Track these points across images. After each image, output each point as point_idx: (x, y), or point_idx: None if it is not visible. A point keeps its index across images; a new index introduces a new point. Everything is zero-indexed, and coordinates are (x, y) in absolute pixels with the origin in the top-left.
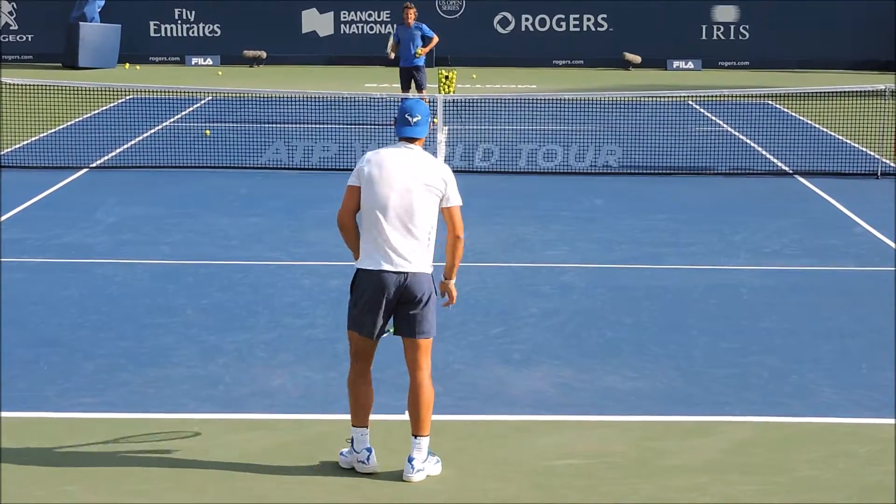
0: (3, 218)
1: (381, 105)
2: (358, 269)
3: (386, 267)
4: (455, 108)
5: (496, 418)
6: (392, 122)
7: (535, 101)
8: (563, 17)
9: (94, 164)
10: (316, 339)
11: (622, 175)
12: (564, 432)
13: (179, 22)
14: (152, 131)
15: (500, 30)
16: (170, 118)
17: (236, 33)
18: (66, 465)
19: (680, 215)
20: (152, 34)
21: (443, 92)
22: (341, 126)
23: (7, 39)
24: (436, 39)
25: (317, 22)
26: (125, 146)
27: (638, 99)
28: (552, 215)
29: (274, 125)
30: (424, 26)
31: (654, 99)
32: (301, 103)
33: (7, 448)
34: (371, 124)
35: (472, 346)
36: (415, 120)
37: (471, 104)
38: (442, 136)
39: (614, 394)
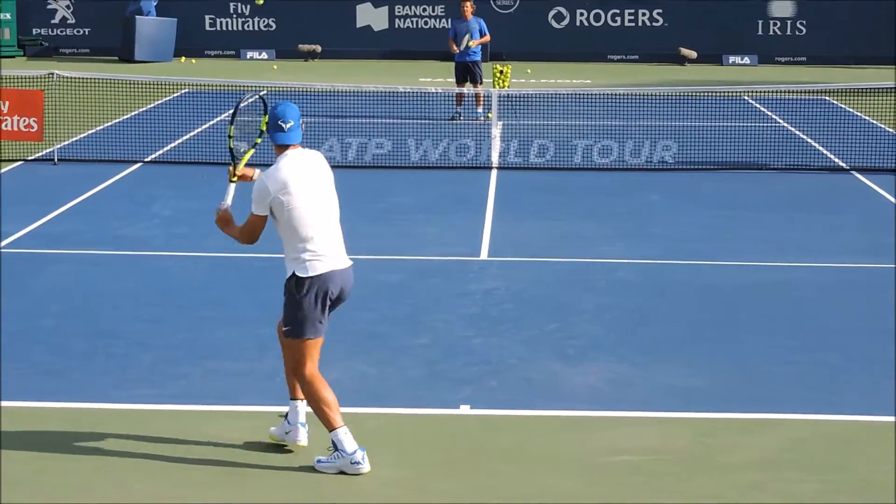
0: (61, 210)
1: (437, 99)
2: (311, 277)
3: (337, 266)
4: (510, 104)
5: (551, 414)
6: (450, 119)
7: (590, 97)
8: (617, 11)
9: (149, 158)
10: (370, 333)
11: (678, 171)
12: (620, 428)
13: (235, 16)
14: (207, 125)
15: (554, 24)
16: (225, 112)
17: (291, 27)
18: (125, 456)
19: (736, 211)
20: (208, 28)
21: (497, 87)
22: (396, 121)
23: (64, 33)
24: (488, 37)
25: (372, 16)
26: (180, 140)
27: (694, 94)
28: (607, 211)
29: (328, 120)
30: (482, 21)
31: (710, 94)
32: (355, 98)
33: (65, 438)
34: (426, 119)
35: (527, 341)
36: (288, 126)
37: (525, 99)
38: (496, 132)
39: (670, 390)
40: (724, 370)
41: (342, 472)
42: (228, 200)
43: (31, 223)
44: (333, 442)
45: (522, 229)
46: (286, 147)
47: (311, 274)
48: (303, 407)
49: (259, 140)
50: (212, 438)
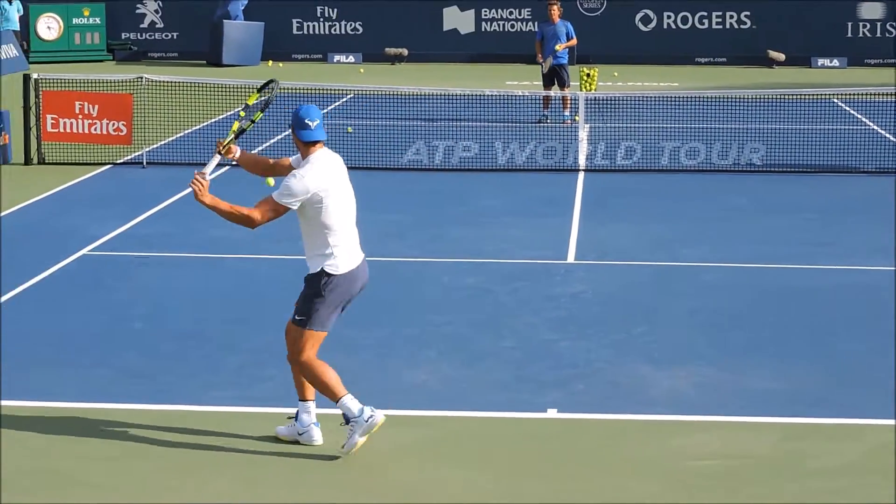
0: (149, 213)
1: (523, 103)
2: (341, 275)
3: (359, 262)
4: (597, 106)
5: (637, 418)
6: (537, 122)
7: (677, 99)
8: (705, 14)
9: (236, 161)
10: (457, 336)
11: (766, 173)
12: (706, 433)
13: (322, 20)
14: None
15: (641, 27)
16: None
17: (378, 31)
18: (212, 458)
19: (825, 215)
20: (295, 32)
21: (584, 90)
22: (483, 124)
23: (153, 37)
24: (574, 41)
25: (458, 20)
26: (267, 143)
27: (782, 97)
28: (695, 214)
29: (415, 123)
30: (569, 25)
31: (799, 97)
32: (442, 101)
33: (152, 439)
34: (512, 122)
35: (615, 344)
36: (314, 123)
37: (612, 102)
38: (583, 134)
39: (757, 394)
40: (811, 374)
41: (366, 434)
42: (207, 170)
43: (119, 226)
44: (344, 414)
45: (609, 232)
46: (314, 144)
47: (341, 272)
48: (313, 407)
49: (254, 119)
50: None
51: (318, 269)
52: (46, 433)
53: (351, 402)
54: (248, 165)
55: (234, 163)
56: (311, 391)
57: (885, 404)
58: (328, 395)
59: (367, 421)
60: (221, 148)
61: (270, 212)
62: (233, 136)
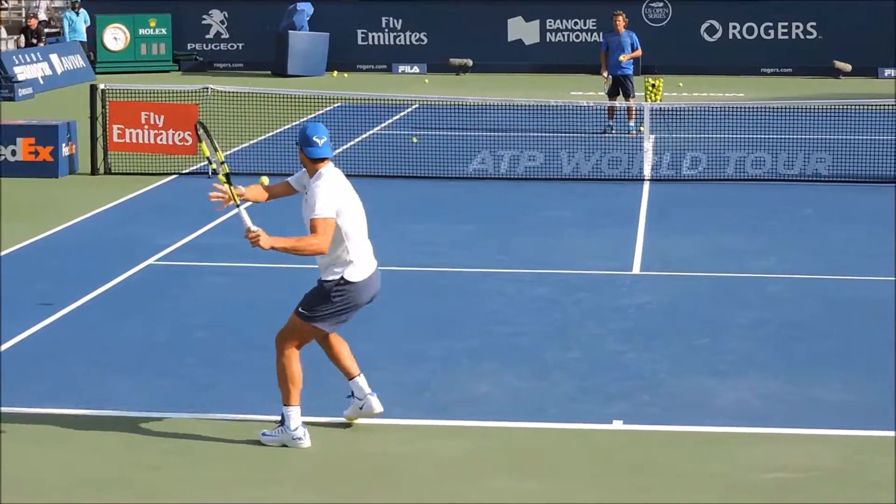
0: (214, 224)
1: (588, 113)
2: (357, 282)
3: (373, 269)
4: (662, 117)
5: (701, 429)
6: (602, 132)
7: (742, 110)
8: (771, 24)
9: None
10: (521, 347)
11: (832, 183)
12: (771, 445)
13: (387, 30)
14: (360, 139)
15: (706, 38)
16: (377, 126)
17: (443, 41)
18: (274, 467)
19: (892, 226)
20: (360, 42)
21: (649, 100)
22: (547, 134)
23: (218, 48)
24: (639, 52)
25: (523, 30)
26: (333, 153)
27: (848, 107)
28: (760, 224)
29: (480, 133)
30: (634, 35)
31: (865, 107)
32: (507, 111)
33: (214, 448)
34: (577, 132)
35: (680, 356)
36: (322, 141)
37: (678, 112)
38: (648, 145)
39: (822, 406)
40: (878, 387)
41: (284, 446)
42: (250, 222)
43: (185, 236)
44: (282, 416)
45: (675, 243)
46: (321, 161)
47: (358, 279)
48: (363, 381)
49: (221, 159)
50: (363, 452)
51: (339, 276)
52: (111, 442)
53: (294, 416)
54: (255, 198)
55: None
56: (355, 367)
57: None
58: (283, 394)
59: (293, 439)
60: (235, 199)
61: (327, 229)
62: (228, 184)
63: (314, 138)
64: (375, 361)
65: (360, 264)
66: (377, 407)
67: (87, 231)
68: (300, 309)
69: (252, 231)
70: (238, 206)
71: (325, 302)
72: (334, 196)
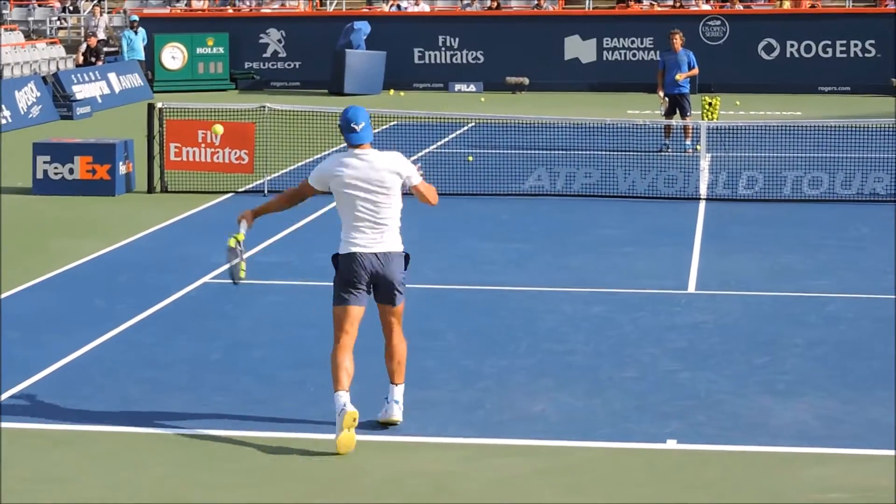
0: (271, 241)
1: (644, 131)
2: (340, 254)
3: (362, 250)
4: (719, 135)
5: (759, 449)
6: (658, 151)
7: (800, 128)
8: (829, 42)
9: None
10: (576, 366)
11: (890, 203)
12: (829, 465)
13: (443, 49)
14: (416, 157)
15: (764, 56)
16: (433, 144)
17: (499, 60)
18: (329, 486)
19: None
20: (416, 61)
21: (706, 119)
22: (603, 152)
23: (275, 66)
24: (696, 70)
25: (579, 48)
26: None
27: None
28: (818, 244)
29: (536, 151)
30: (691, 54)
31: None
32: (563, 130)
33: (272, 466)
34: (633, 151)
35: (736, 375)
36: (360, 127)
37: (735, 131)
38: (705, 164)
39: (881, 427)
40: None
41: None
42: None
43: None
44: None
45: (731, 262)
46: (359, 146)
47: (341, 252)
48: (398, 390)
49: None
50: (417, 471)
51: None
52: (166, 460)
53: (337, 399)
54: (273, 210)
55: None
56: (397, 376)
57: None
58: (333, 381)
59: (338, 413)
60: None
61: (300, 184)
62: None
63: (351, 124)
64: (432, 379)
65: (347, 241)
66: (396, 415)
67: (143, 249)
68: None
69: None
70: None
71: (334, 279)
72: (326, 168)
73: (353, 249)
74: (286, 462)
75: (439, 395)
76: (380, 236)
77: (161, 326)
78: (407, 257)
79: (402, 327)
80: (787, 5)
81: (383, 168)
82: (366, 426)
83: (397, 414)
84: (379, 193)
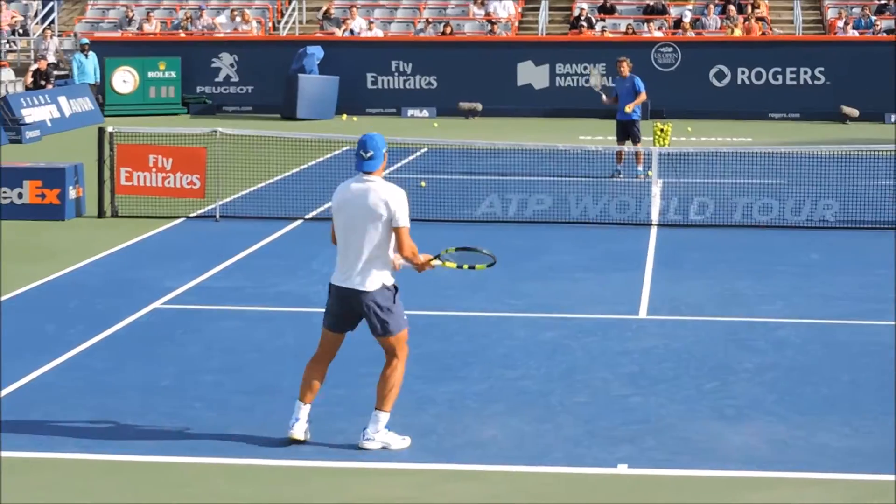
0: (222, 267)
1: (596, 157)
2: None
3: (342, 284)
4: (670, 161)
5: (709, 473)
6: (610, 176)
7: (750, 155)
8: (779, 70)
9: (310, 215)
10: (528, 391)
11: (839, 230)
12: (779, 490)
13: (396, 74)
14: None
15: (715, 83)
16: (386, 170)
17: (452, 85)
18: None
19: None
20: (369, 86)
21: (658, 145)
22: (556, 178)
23: (227, 91)
24: (643, 96)
25: (532, 74)
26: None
27: (856, 153)
28: (768, 270)
29: (489, 177)
30: (637, 79)
31: (872, 153)
32: (516, 155)
33: (224, 493)
34: (586, 176)
35: (687, 400)
36: (367, 155)
37: (686, 157)
38: (656, 189)
39: (830, 451)
40: (886, 432)
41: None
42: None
43: (192, 279)
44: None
45: (682, 287)
46: (364, 173)
47: (331, 281)
48: (382, 416)
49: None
50: (369, 497)
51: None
52: (118, 487)
53: (297, 409)
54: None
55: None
56: (383, 402)
57: None
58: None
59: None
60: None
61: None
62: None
63: (360, 151)
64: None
65: (336, 270)
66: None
67: (93, 274)
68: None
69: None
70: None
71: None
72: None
73: (332, 280)
74: (237, 488)
75: (392, 421)
76: (357, 268)
77: (111, 352)
78: (395, 288)
79: (397, 356)
80: (738, 33)
81: (378, 198)
82: (321, 453)
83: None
84: (367, 221)
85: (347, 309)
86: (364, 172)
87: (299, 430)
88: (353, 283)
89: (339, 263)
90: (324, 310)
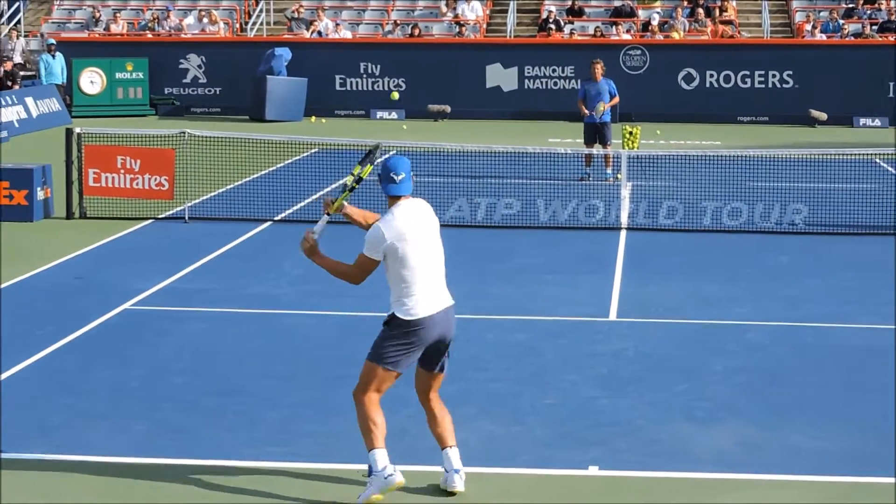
0: (191, 268)
1: (565, 160)
2: (407, 321)
3: (437, 309)
4: (639, 165)
5: (680, 475)
6: (579, 179)
7: (719, 158)
8: (748, 73)
9: (279, 217)
10: (498, 393)
11: (808, 234)
12: (749, 491)
13: (365, 76)
14: (337, 184)
15: (684, 86)
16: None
17: (421, 88)
18: None
19: (867, 274)
20: (338, 88)
21: (627, 148)
22: (525, 181)
23: (196, 92)
24: (617, 99)
25: (501, 77)
26: (311, 198)
27: (824, 156)
28: (737, 273)
29: (457, 179)
30: (612, 82)
31: (841, 156)
32: (484, 158)
33: (192, 495)
34: (555, 179)
35: (657, 402)
36: (399, 178)
37: (655, 160)
38: (626, 193)
39: (800, 453)
40: (855, 433)
41: (382, 492)
42: (317, 230)
43: (161, 280)
44: (369, 465)
45: (651, 290)
46: (398, 198)
47: (408, 318)
48: (454, 454)
49: (356, 174)
50: (341, 498)
51: (391, 314)
52: (87, 488)
53: (380, 457)
54: (358, 220)
55: (343, 219)
56: (449, 438)
57: None
58: (365, 440)
59: (385, 478)
60: (331, 209)
61: (365, 266)
62: (345, 192)
63: (391, 174)
64: (353, 408)
65: (417, 302)
66: (457, 485)
67: (61, 276)
68: (369, 351)
69: (310, 238)
70: (328, 215)
71: (384, 338)
72: (387, 237)
73: (416, 314)
74: (205, 490)
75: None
76: (443, 285)
77: (80, 353)
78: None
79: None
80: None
81: (430, 214)
82: (291, 455)
83: (458, 484)
84: (437, 237)
85: (444, 331)
86: (400, 197)
87: (399, 474)
88: (446, 301)
89: (420, 292)
90: (391, 353)
